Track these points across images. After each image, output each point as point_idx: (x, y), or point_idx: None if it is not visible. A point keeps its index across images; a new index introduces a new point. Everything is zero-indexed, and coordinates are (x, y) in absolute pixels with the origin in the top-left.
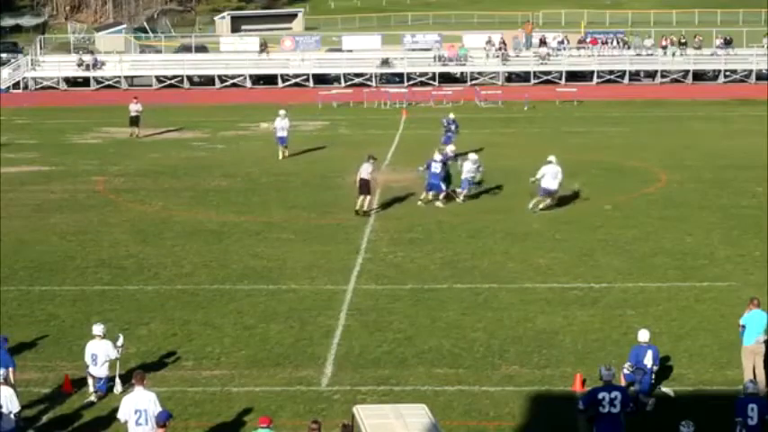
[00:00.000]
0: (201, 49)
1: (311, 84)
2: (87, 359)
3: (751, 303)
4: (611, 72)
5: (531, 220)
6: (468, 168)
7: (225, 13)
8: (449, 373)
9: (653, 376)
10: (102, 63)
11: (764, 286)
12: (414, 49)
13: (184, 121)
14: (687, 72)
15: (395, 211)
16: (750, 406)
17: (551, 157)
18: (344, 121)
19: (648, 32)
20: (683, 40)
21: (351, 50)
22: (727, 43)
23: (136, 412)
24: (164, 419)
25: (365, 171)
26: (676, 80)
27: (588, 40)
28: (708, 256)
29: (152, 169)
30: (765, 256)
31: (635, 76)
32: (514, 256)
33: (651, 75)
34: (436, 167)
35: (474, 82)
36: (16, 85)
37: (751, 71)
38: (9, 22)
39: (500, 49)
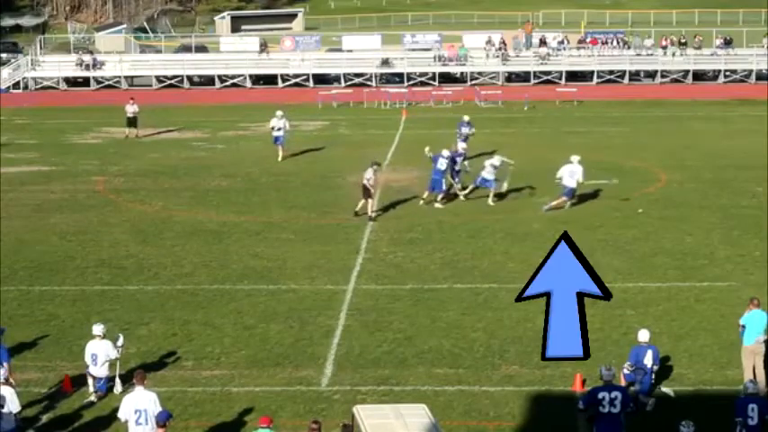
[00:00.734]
0: (201, 49)
1: (311, 84)
2: (87, 359)
3: (751, 303)
4: (611, 72)
5: (531, 219)
6: (490, 168)
7: (225, 13)
8: (449, 373)
9: (653, 376)
10: (102, 63)
11: (764, 286)
12: (414, 49)
13: (184, 121)
14: (687, 72)
15: (395, 211)
16: (750, 406)
17: (573, 157)
18: (344, 121)
19: (648, 32)
20: (683, 40)
21: (351, 50)
22: (728, 43)
23: (136, 412)
24: (164, 419)
25: (365, 176)
26: (676, 80)
27: (588, 40)
28: (708, 256)
29: (152, 169)
30: (765, 256)
31: (635, 76)
32: (514, 256)
33: (651, 75)
34: (441, 164)
35: (474, 82)
36: (16, 85)
37: (751, 71)
38: (9, 22)
39: (500, 49)
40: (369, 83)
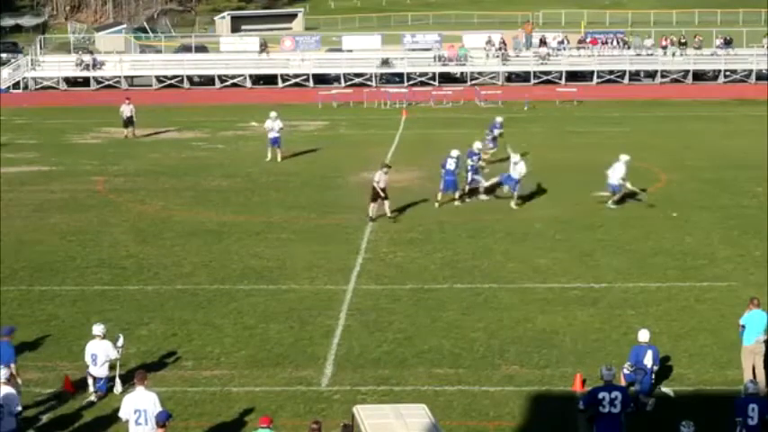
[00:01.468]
0: (201, 49)
1: (311, 84)
2: (87, 359)
3: (751, 303)
4: (611, 72)
5: (531, 219)
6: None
7: (225, 13)
8: (449, 373)
9: (653, 376)
10: (102, 63)
11: (764, 286)
12: (414, 49)
13: (184, 121)
14: (687, 72)
15: (395, 212)
16: (750, 406)
17: (623, 156)
18: (344, 121)
19: (648, 32)
20: (683, 41)
21: (351, 50)
22: (727, 43)
23: (135, 412)
24: (163, 419)
25: (375, 178)
26: (676, 80)
27: (588, 40)
28: (708, 256)
29: (152, 169)
30: (765, 256)
31: (635, 76)
32: (514, 256)
33: (651, 75)
34: (451, 164)
35: (474, 82)
36: (16, 85)
37: (751, 71)
38: (9, 22)
39: (500, 49)
40: (369, 83)
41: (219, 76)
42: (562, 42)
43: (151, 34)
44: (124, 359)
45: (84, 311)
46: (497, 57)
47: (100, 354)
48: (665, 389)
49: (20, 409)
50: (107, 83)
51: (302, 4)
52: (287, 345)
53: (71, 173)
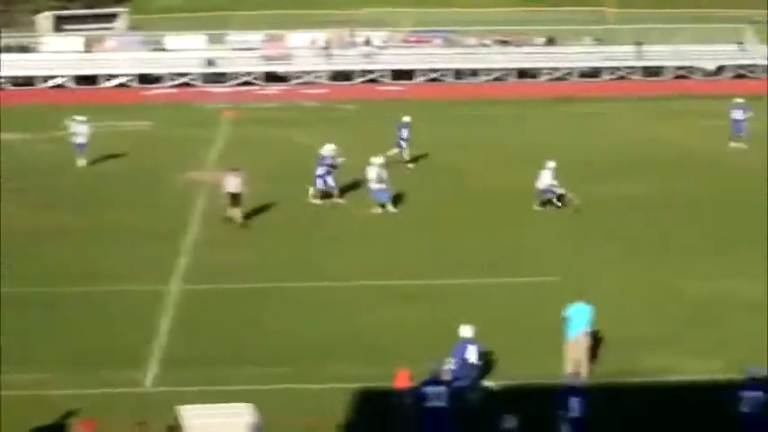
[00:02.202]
0: (22, 49)
1: (136, 84)
2: None
3: (575, 296)
4: (434, 70)
5: (358, 218)
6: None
7: (47, 13)
8: (276, 371)
9: (476, 371)
10: None
11: (589, 280)
12: (238, 49)
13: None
14: (510, 70)
15: (219, 211)
16: (573, 399)
17: (549, 163)
18: (168, 122)
19: (472, 31)
20: (505, 39)
21: (174, 50)
22: (550, 41)
23: None
24: None
25: (233, 184)
26: (499, 78)
27: (412, 38)
28: (532, 251)
29: None
30: (590, 250)
31: (459, 74)
32: (343, 254)
33: (475, 73)
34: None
35: (298, 81)
36: None
37: (573, 69)
38: None
39: (325, 48)
40: (193, 82)
41: (42, 77)
42: (386, 41)
43: None
44: None
45: None
46: (322, 56)
47: None
48: (489, 383)
49: None
50: None
51: (126, 3)
52: (111, 346)
53: None
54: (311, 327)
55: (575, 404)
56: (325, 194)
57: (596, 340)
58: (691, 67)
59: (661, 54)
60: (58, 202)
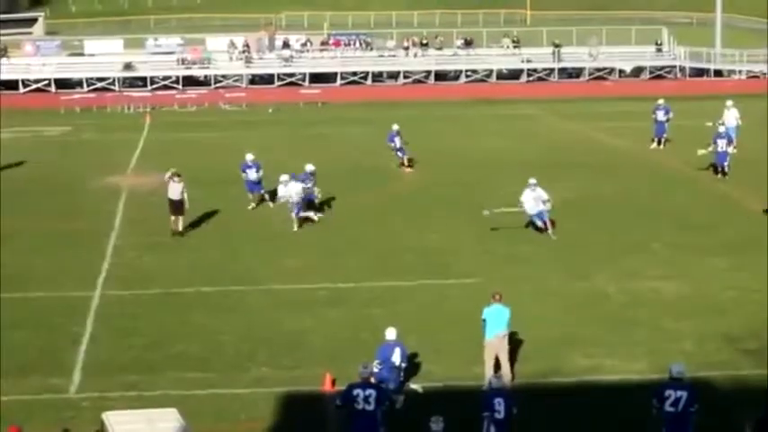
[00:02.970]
0: None
1: (53, 89)
2: None
3: (492, 298)
4: (354, 73)
5: (277, 221)
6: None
7: None
8: (198, 377)
9: (401, 374)
10: None
11: (508, 282)
12: (157, 53)
13: None
14: (429, 72)
15: (141, 215)
16: (497, 400)
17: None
18: (88, 126)
19: (391, 33)
20: (424, 41)
21: (93, 54)
22: (468, 44)
23: None
24: None
25: (174, 191)
26: (419, 80)
27: (331, 41)
28: (453, 254)
29: None
30: (508, 253)
31: (378, 77)
32: (262, 258)
33: (394, 76)
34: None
35: (218, 85)
36: None
37: (492, 71)
38: None
39: (243, 51)
40: (112, 87)
41: None
42: (305, 44)
43: None
44: None
45: None
46: (241, 59)
47: None
48: (414, 385)
49: None
50: None
51: (42, 8)
52: (33, 353)
53: None
54: (235, 331)
55: (498, 405)
56: (260, 199)
57: (518, 341)
58: (608, 69)
59: (579, 56)
60: None
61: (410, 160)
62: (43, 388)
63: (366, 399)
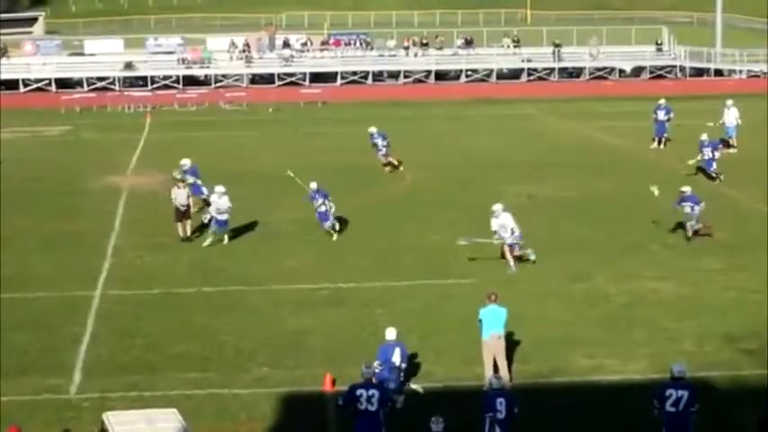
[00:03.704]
0: None
1: (54, 88)
2: None
3: (488, 298)
4: (354, 73)
5: (279, 221)
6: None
7: None
8: (199, 377)
9: (401, 374)
10: None
11: (506, 282)
12: (157, 53)
13: None
14: (430, 72)
15: (141, 215)
16: (498, 400)
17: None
18: (88, 126)
19: (391, 33)
20: (424, 41)
21: (93, 54)
22: (468, 43)
23: None
24: None
25: (181, 197)
26: (419, 80)
27: (331, 41)
28: (453, 254)
29: None
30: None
31: (378, 76)
32: (263, 258)
33: (394, 75)
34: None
35: (218, 84)
36: None
37: (492, 70)
38: None
39: (244, 51)
40: (112, 87)
41: None
42: (305, 44)
43: None
44: None
45: None
46: (241, 59)
47: None
48: (415, 386)
49: None
50: None
51: (43, 7)
52: (33, 353)
53: None
54: (236, 331)
55: (499, 405)
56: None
57: (518, 341)
58: (609, 68)
59: (579, 55)
60: None
61: (395, 162)
62: (43, 388)
63: (369, 399)
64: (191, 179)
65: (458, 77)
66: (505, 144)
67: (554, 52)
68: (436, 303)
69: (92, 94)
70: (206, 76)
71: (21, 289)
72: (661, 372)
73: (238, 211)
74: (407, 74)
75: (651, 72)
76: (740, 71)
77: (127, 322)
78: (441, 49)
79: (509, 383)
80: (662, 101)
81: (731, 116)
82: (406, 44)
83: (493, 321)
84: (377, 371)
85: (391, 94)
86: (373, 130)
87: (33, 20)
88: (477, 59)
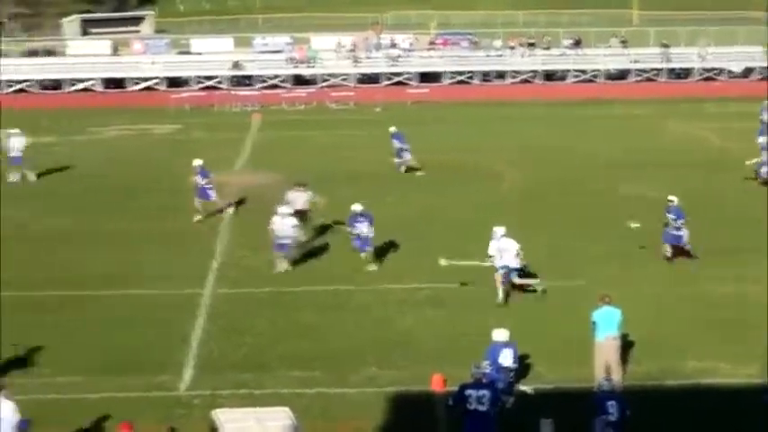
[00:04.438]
0: (50, 52)
1: (163, 87)
2: None
3: (601, 300)
4: (461, 73)
5: (383, 218)
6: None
7: (74, 16)
8: (308, 375)
9: (512, 375)
10: None
11: (613, 283)
12: (264, 52)
13: (33, 126)
14: (536, 72)
15: (250, 215)
16: (609, 403)
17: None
18: (197, 125)
19: (497, 33)
20: (531, 41)
21: (200, 53)
22: (576, 44)
23: None
24: (23, 428)
25: (299, 201)
26: (526, 80)
27: (438, 41)
28: (556, 256)
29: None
30: (613, 253)
31: (485, 76)
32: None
33: (501, 75)
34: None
35: (325, 84)
36: None
37: (599, 71)
38: None
39: (351, 50)
40: (220, 86)
41: (69, 80)
42: (412, 44)
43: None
44: None
45: None
46: (348, 58)
47: None
48: (525, 387)
49: None
50: None
51: (151, 6)
52: (145, 350)
53: None
54: (344, 330)
55: (611, 408)
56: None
57: (629, 343)
58: (717, 69)
59: (687, 56)
60: (88, 206)
61: (416, 165)
62: (153, 385)
63: (479, 399)
64: (202, 181)
65: (564, 78)
66: (614, 144)
67: (662, 53)
68: (544, 304)
69: (200, 93)
70: (312, 75)
71: (131, 286)
72: None
73: (343, 213)
74: (515, 74)
75: (761, 73)
76: None
77: (236, 320)
78: (548, 48)
79: (620, 385)
80: (766, 101)
81: None
82: (512, 44)
83: (608, 323)
84: (486, 371)
85: (498, 94)
86: (393, 129)
87: (141, 19)
88: (585, 60)
